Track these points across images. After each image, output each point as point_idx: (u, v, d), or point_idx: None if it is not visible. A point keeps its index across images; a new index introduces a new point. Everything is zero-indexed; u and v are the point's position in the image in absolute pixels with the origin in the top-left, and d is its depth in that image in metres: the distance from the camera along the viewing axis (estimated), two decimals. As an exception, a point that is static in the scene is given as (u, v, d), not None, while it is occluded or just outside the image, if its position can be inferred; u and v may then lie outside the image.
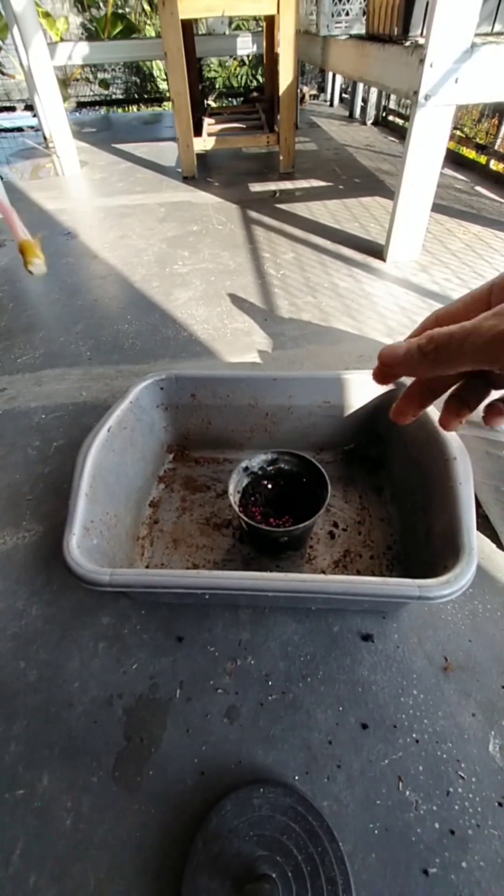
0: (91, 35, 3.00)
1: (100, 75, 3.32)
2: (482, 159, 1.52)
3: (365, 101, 2.10)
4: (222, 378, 0.51)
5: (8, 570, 0.48)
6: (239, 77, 3.30)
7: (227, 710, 0.37)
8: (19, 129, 2.40)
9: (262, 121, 1.82)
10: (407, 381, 0.49)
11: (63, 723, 0.37)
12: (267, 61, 2.03)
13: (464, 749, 0.35)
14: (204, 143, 1.51)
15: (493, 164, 1.48)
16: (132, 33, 2.93)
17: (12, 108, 2.83)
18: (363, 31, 1.27)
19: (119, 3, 3.02)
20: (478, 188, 1.40)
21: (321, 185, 1.46)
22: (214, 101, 2.92)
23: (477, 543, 0.34)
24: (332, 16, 1.57)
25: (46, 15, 2.67)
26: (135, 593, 0.42)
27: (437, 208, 1.09)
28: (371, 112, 2.10)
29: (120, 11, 2.98)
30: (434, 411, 0.44)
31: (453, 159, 1.60)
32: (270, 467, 0.49)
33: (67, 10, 3.00)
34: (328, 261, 1.04)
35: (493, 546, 0.48)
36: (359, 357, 0.75)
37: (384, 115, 2.09)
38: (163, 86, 3.27)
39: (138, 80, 3.36)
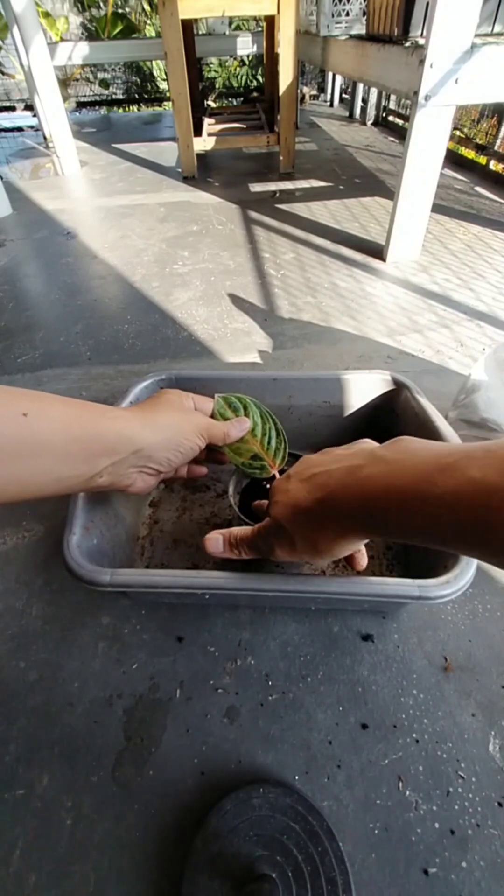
0: (91, 35, 3.01)
1: (100, 75, 3.32)
2: (482, 159, 1.52)
3: (365, 101, 2.11)
4: (222, 378, 0.51)
5: (8, 570, 0.48)
6: (239, 77, 3.30)
7: (227, 710, 0.38)
8: (19, 129, 2.40)
9: (262, 121, 1.82)
10: (407, 380, 0.49)
11: (63, 723, 0.37)
12: (267, 61, 2.03)
13: (464, 749, 0.35)
14: (204, 143, 1.51)
15: (493, 165, 1.48)
16: (132, 33, 2.93)
17: (12, 108, 2.83)
18: (363, 32, 1.28)
19: (119, 3, 3.02)
20: (478, 188, 1.40)
21: (321, 186, 1.46)
22: (214, 101, 2.92)
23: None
24: (332, 16, 1.57)
25: (46, 15, 2.67)
26: (135, 593, 0.42)
27: (437, 208, 1.09)
28: (371, 112, 2.10)
29: (120, 11, 2.98)
30: (434, 410, 0.44)
31: (453, 159, 1.60)
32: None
33: (67, 10, 3.00)
34: (328, 261, 1.04)
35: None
36: (359, 357, 0.75)
37: (384, 115, 2.09)
38: (163, 86, 3.27)
39: (138, 80, 3.36)
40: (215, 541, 0.34)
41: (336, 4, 1.57)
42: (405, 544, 0.47)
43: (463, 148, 1.65)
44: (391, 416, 0.50)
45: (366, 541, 0.29)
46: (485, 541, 0.19)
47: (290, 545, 0.30)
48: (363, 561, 0.33)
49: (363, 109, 2.14)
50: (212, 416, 0.40)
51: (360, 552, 0.33)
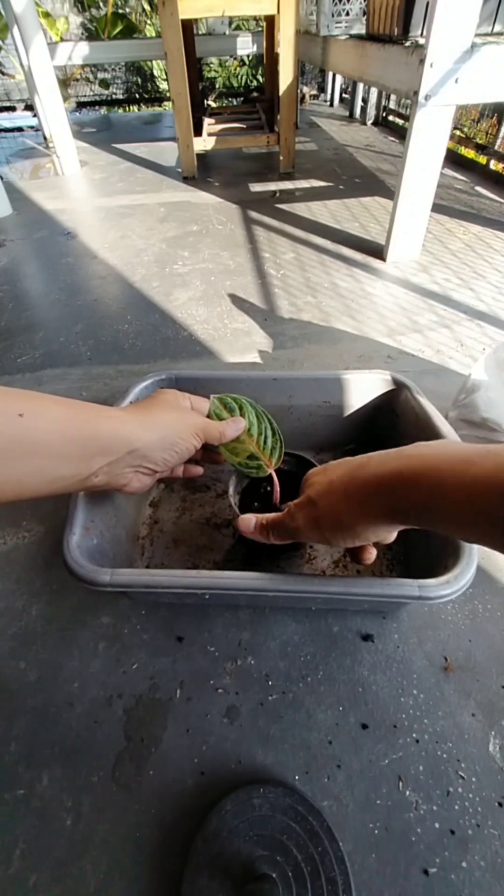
0: (91, 35, 3.01)
1: (100, 75, 3.32)
2: (482, 159, 1.52)
3: (365, 101, 2.10)
4: (222, 378, 0.51)
5: (8, 570, 0.48)
6: (239, 77, 3.30)
7: (227, 710, 0.38)
8: (19, 129, 2.40)
9: (262, 121, 1.82)
10: (407, 379, 0.49)
11: (63, 723, 0.37)
12: (267, 61, 2.03)
13: (464, 749, 0.35)
14: (204, 143, 1.51)
15: (493, 164, 1.48)
16: (132, 33, 2.93)
17: (12, 108, 2.83)
18: (363, 31, 1.27)
19: (119, 3, 3.02)
20: (478, 188, 1.40)
21: (321, 185, 1.46)
22: (214, 101, 2.92)
23: (477, 543, 0.34)
24: (332, 16, 1.57)
25: (46, 15, 2.67)
26: (135, 593, 0.42)
27: (437, 208, 1.09)
28: (371, 112, 2.10)
29: (120, 11, 2.98)
30: (434, 410, 0.44)
31: (453, 159, 1.60)
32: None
33: (67, 10, 3.00)
34: (328, 261, 1.04)
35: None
36: (359, 357, 0.75)
37: (384, 115, 2.09)
38: (163, 86, 3.27)
39: (138, 80, 3.36)
40: (247, 521, 0.35)
41: (336, 4, 1.57)
42: (407, 543, 0.47)
43: (463, 148, 1.65)
44: (391, 416, 0.50)
45: (389, 531, 0.29)
46: None
47: (316, 521, 0.30)
48: (371, 557, 0.33)
49: (363, 109, 2.14)
50: (207, 417, 0.41)
51: (371, 548, 0.33)
